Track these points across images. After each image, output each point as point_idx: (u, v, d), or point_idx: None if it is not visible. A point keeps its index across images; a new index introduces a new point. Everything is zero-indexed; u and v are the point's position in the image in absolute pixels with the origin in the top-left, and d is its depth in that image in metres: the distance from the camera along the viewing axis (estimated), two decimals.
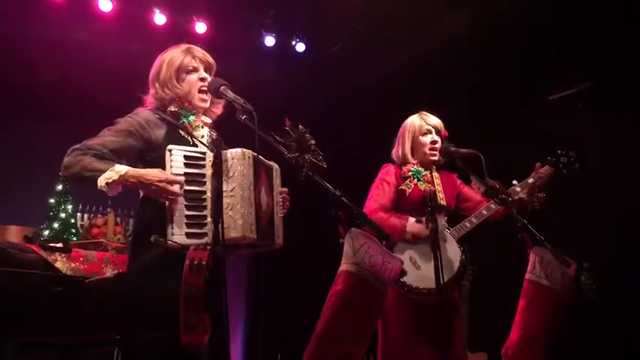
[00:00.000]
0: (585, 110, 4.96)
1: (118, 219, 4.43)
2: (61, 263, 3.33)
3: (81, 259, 3.48)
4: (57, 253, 3.37)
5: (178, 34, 5.41)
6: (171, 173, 2.41)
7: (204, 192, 2.44)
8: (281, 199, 2.69)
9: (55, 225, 4.25)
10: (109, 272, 3.50)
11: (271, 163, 2.65)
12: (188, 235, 2.38)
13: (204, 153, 2.49)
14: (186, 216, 2.40)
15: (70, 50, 5.15)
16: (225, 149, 2.45)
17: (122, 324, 2.59)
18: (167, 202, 2.39)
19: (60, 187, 4.33)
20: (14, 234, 3.74)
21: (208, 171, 2.45)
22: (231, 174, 2.42)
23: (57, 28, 5.19)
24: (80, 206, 4.46)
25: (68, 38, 5.23)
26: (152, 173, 2.41)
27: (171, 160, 2.42)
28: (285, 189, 2.71)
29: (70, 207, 4.35)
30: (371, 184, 3.50)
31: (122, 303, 2.54)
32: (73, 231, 4.29)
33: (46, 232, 4.21)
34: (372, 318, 2.79)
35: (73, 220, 4.34)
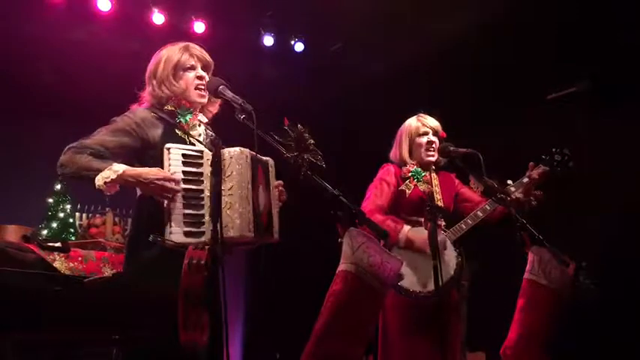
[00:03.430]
0: (584, 109, 4.96)
1: (117, 219, 4.43)
2: (59, 263, 3.34)
3: (79, 258, 3.49)
4: (55, 253, 3.38)
5: (177, 33, 5.39)
6: (170, 172, 2.40)
7: (202, 191, 2.44)
8: (277, 193, 2.67)
9: (54, 224, 4.25)
10: (108, 272, 3.50)
11: (266, 158, 2.64)
12: (186, 234, 2.37)
13: (201, 151, 2.49)
14: (185, 215, 2.39)
15: (69, 50, 5.14)
16: (223, 148, 2.45)
17: (121, 323, 2.59)
18: (165, 201, 2.39)
19: (58, 186, 4.33)
20: (12, 233, 3.74)
21: (206, 169, 2.44)
22: (229, 173, 2.41)
23: (55, 28, 5.17)
24: (79, 206, 4.46)
25: (67, 38, 5.22)
26: (151, 172, 2.41)
27: (169, 159, 2.42)
28: (280, 182, 2.70)
29: (68, 207, 4.35)
30: (370, 183, 3.50)
31: (121, 302, 2.54)
32: (72, 231, 4.29)
33: (45, 232, 4.22)
34: (371, 318, 2.79)
35: (71, 220, 4.34)
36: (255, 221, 2.44)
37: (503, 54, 5.08)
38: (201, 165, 2.46)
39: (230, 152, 2.44)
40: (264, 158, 2.61)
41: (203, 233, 2.40)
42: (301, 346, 2.66)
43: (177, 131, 2.61)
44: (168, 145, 2.44)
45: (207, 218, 2.40)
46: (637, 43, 4.56)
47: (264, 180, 2.59)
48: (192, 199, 2.42)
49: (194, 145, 2.59)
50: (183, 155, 2.45)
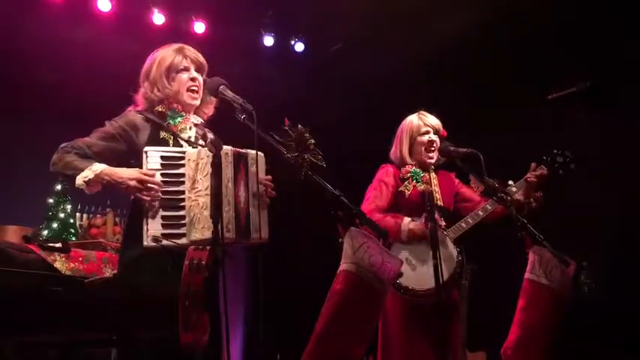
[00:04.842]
0: (585, 110, 4.96)
1: (117, 219, 4.42)
2: (60, 263, 3.33)
3: (80, 259, 3.48)
4: (56, 253, 3.37)
5: (177, 33, 5.40)
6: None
7: (182, 192, 2.43)
8: (263, 189, 2.56)
9: (54, 225, 4.24)
10: (108, 272, 3.49)
11: (249, 151, 2.53)
12: (164, 236, 2.37)
13: (183, 152, 2.48)
14: (162, 216, 2.39)
15: (69, 50, 5.13)
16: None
17: (121, 323, 2.59)
18: (144, 202, 2.40)
19: (59, 187, 4.32)
20: (13, 234, 3.74)
21: (188, 170, 2.44)
22: (206, 172, 2.38)
23: (55, 28, 5.17)
24: (79, 206, 4.45)
25: (67, 38, 5.22)
26: (126, 172, 2.43)
27: (147, 162, 2.43)
28: (268, 177, 2.61)
29: (69, 207, 4.34)
30: (370, 183, 3.49)
31: (121, 303, 2.54)
32: (72, 231, 4.28)
33: (45, 232, 4.21)
34: (372, 318, 2.79)
35: (72, 220, 4.33)
36: (235, 221, 2.40)
37: (503, 54, 5.08)
38: (182, 166, 2.45)
39: (206, 151, 2.39)
40: (243, 151, 2.51)
41: (184, 235, 2.39)
42: (302, 347, 2.66)
43: (162, 133, 2.60)
44: (146, 149, 2.46)
45: (187, 219, 2.39)
46: (637, 43, 4.56)
47: (244, 175, 2.51)
48: (170, 200, 2.42)
49: (181, 146, 2.58)
50: (162, 157, 2.45)
